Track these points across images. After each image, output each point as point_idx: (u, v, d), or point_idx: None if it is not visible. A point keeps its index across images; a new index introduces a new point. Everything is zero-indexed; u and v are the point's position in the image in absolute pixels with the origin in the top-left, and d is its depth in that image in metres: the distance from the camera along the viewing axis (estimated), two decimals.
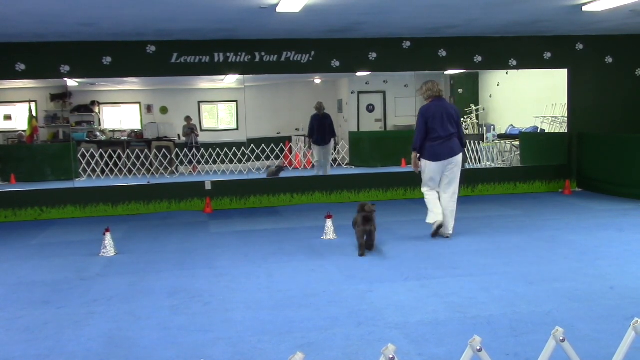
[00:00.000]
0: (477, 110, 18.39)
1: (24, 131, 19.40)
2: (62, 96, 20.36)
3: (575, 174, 11.38)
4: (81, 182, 14.70)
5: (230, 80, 16.41)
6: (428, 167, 7.44)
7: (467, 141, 15.40)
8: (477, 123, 18.01)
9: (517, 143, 14.30)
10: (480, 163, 15.05)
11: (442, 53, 10.71)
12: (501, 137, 15.92)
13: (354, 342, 4.04)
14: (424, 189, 7.61)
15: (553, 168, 11.49)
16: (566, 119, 11.78)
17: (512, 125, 15.92)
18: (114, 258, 6.85)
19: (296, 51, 10.26)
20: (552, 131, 13.86)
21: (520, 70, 12.44)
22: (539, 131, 14.23)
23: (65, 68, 9.69)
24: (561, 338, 2.50)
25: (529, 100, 15.89)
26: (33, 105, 20.39)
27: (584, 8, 8.25)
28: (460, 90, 19.55)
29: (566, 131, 11.71)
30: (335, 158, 17.86)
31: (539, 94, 15.32)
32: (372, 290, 5.24)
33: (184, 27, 8.80)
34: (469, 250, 6.67)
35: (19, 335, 4.40)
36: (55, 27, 8.45)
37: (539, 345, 3.59)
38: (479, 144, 15.69)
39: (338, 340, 4.07)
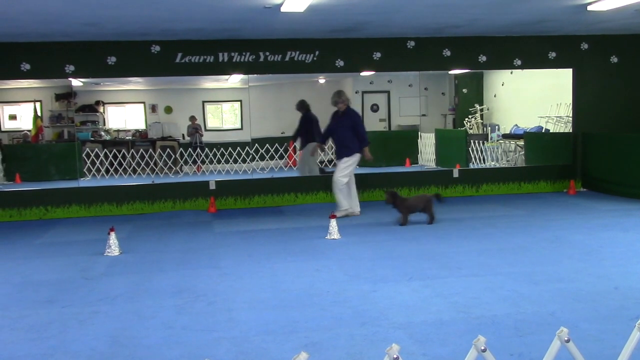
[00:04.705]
0: (481, 110, 18.37)
1: (29, 131, 19.46)
2: (66, 96, 20.41)
3: (580, 174, 11.35)
4: (86, 182, 14.72)
5: (235, 80, 16.42)
6: (357, 160, 9.05)
7: (472, 141, 15.44)
8: (482, 123, 17.98)
9: (521, 143, 14.27)
10: (484, 163, 15.02)
11: (447, 53, 10.70)
12: (505, 136, 15.89)
13: (358, 341, 4.04)
14: (344, 179, 8.95)
15: (558, 168, 11.46)
16: (571, 118, 11.76)
17: (516, 125, 15.89)
18: (118, 257, 6.87)
19: (300, 51, 10.26)
20: (557, 131, 13.83)
21: (524, 70, 12.42)
22: (543, 131, 14.20)
23: (70, 68, 9.71)
24: (566, 338, 2.49)
25: (533, 100, 15.86)
26: (38, 104, 20.45)
27: (589, 8, 8.22)
28: (464, 90, 19.53)
29: (571, 131, 11.69)
30: None
31: (543, 94, 15.28)
32: (376, 290, 5.24)
33: (189, 27, 8.81)
34: (473, 250, 6.66)
35: (24, 334, 4.41)
36: (60, 27, 8.47)
37: (543, 346, 3.58)
38: (483, 143, 15.66)
39: (342, 340, 4.07)
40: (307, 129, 11.43)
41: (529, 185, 11.30)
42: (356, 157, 9.06)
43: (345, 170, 8.97)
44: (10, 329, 4.54)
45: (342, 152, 9.05)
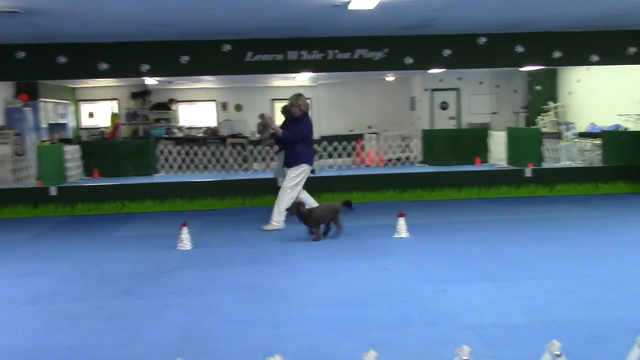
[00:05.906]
0: (555, 108, 17.83)
1: (106, 128, 20.22)
2: (142, 94, 21.10)
3: None
4: (159, 178, 15.20)
5: (303, 78, 16.57)
6: (306, 171, 8.35)
7: (545, 139, 15.01)
8: (556, 121, 17.45)
9: (598, 142, 13.76)
10: (559, 162, 14.58)
11: (519, 49, 10.40)
12: (581, 135, 15.36)
13: (427, 342, 4.00)
14: (293, 192, 8.31)
15: (637, 168, 10.98)
16: None
17: (592, 123, 15.34)
18: (190, 252, 7.04)
19: (369, 48, 10.20)
20: (637, 129, 13.26)
21: (602, 67, 11.97)
22: (622, 129, 13.66)
23: (145, 67, 9.99)
24: None
25: (611, 97, 15.27)
26: (115, 103, 21.22)
27: None
28: (538, 87, 19.01)
29: None
30: (408, 156, 17.74)
31: (622, 91, 14.68)
32: (445, 291, 5.17)
33: (258, 26, 8.93)
34: (547, 252, 6.47)
35: (102, 324, 4.59)
36: (136, 28, 8.75)
37: (621, 353, 3.45)
38: (557, 142, 15.20)
39: (411, 340, 4.04)
40: None
41: (607, 186, 10.87)
42: (304, 169, 8.34)
43: (291, 182, 8.32)
44: (89, 319, 4.74)
45: (289, 161, 8.42)
